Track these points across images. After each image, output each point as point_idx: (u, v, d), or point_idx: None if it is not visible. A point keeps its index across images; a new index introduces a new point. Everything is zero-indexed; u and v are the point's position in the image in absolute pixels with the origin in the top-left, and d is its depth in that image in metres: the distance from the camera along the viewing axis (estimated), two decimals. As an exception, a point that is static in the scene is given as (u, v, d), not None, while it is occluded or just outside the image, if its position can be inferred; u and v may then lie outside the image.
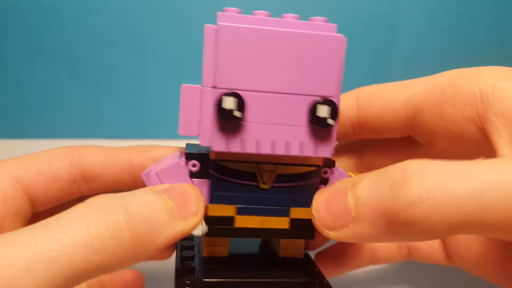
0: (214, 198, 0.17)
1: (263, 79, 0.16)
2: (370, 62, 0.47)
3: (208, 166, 0.17)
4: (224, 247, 0.19)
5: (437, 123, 0.18)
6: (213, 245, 0.19)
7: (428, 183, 0.13)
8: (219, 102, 0.15)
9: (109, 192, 0.20)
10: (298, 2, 0.44)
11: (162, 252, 0.21)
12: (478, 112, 0.17)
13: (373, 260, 0.23)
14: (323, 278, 0.19)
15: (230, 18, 0.16)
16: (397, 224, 0.13)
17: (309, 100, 0.16)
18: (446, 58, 0.44)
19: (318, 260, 0.23)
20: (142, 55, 0.46)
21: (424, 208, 0.13)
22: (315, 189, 0.18)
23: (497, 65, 0.18)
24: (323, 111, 0.16)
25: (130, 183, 0.21)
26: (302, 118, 0.16)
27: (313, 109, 0.16)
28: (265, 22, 0.16)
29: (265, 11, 0.16)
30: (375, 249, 0.23)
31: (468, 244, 0.21)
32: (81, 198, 0.21)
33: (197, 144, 0.18)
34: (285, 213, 0.18)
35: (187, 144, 0.19)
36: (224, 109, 0.15)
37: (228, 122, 0.16)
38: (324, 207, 0.16)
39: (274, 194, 0.18)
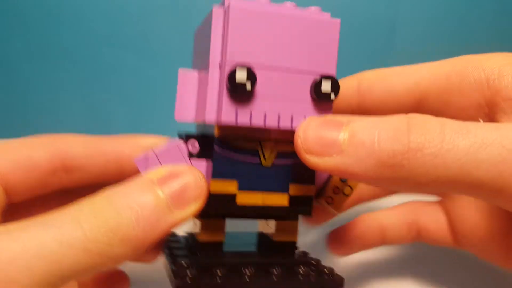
0: (216, 173, 0.18)
1: (270, 56, 0.17)
2: (370, 62, 0.47)
3: (206, 147, 0.18)
4: (220, 231, 0.19)
5: (443, 111, 0.18)
6: (210, 229, 0.19)
7: (430, 134, 0.13)
8: (231, 75, 0.16)
9: (93, 183, 0.20)
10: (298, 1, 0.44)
11: (149, 254, 0.21)
12: (485, 98, 0.17)
13: (384, 240, 0.23)
14: (317, 259, 0.20)
15: (236, 1, 0.17)
16: (388, 167, 0.13)
17: (311, 77, 0.17)
18: (446, 58, 0.44)
19: (328, 240, 0.23)
20: (143, 55, 0.46)
21: (421, 156, 0.13)
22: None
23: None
24: (326, 86, 0.17)
25: (116, 174, 0.20)
26: (305, 93, 0.18)
27: (318, 85, 0.17)
28: (269, 6, 0.17)
29: None
30: (385, 229, 0.23)
31: (474, 224, 0.21)
32: (63, 190, 0.20)
33: (189, 132, 0.19)
34: (285, 189, 0.18)
35: (178, 132, 0.20)
36: (236, 82, 0.16)
37: (239, 95, 0.17)
38: (313, 131, 0.15)
39: (274, 171, 0.18)
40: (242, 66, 0.16)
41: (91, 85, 0.46)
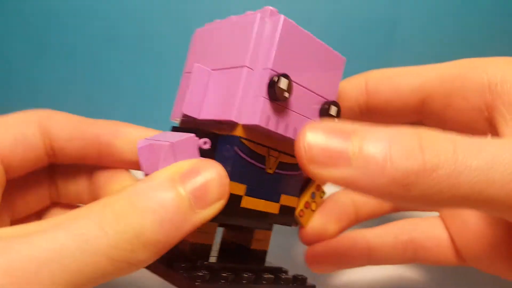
0: (235, 175, 0.17)
1: (299, 72, 0.18)
2: (370, 61, 0.47)
3: (214, 145, 0.18)
4: (211, 234, 0.20)
5: (445, 113, 0.18)
6: (202, 231, 0.19)
7: (444, 155, 0.13)
8: (274, 83, 0.17)
9: (72, 163, 0.20)
10: (298, 1, 0.44)
11: None
12: (486, 102, 0.17)
13: (371, 260, 0.22)
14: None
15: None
16: (401, 186, 0.13)
17: (322, 101, 0.19)
18: (446, 58, 0.44)
19: (307, 255, 0.22)
20: (144, 55, 0.46)
21: (436, 176, 0.13)
22: (301, 181, 0.20)
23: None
24: (334, 110, 0.19)
25: (94, 158, 0.20)
26: (316, 113, 0.19)
27: (326, 108, 0.19)
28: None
29: None
30: (373, 247, 0.22)
31: (477, 235, 0.20)
32: (50, 166, 0.21)
33: (182, 128, 0.19)
34: (278, 199, 0.19)
35: (173, 127, 0.20)
36: (280, 89, 0.17)
37: (277, 102, 0.17)
38: (319, 140, 0.14)
39: (274, 179, 0.19)
40: (285, 75, 0.17)
41: (91, 85, 0.46)
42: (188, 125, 0.20)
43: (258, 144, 0.18)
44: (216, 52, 0.19)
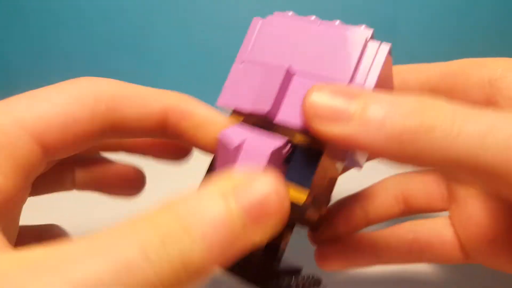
0: (294, 177, 0.16)
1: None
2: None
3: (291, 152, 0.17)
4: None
5: None
6: None
7: (442, 117, 0.13)
8: None
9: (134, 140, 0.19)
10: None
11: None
12: (487, 96, 0.18)
13: (378, 260, 0.22)
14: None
15: None
16: (397, 143, 0.14)
17: None
18: (446, 58, 0.44)
19: (319, 253, 0.23)
20: (143, 55, 0.46)
21: (432, 137, 0.13)
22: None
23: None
24: None
25: (159, 135, 0.19)
26: None
27: None
28: None
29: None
30: (380, 248, 0.22)
31: (483, 230, 0.20)
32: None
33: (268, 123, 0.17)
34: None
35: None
36: None
37: None
38: (324, 97, 0.15)
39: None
40: None
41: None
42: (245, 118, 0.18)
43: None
44: (301, 54, 0.18)
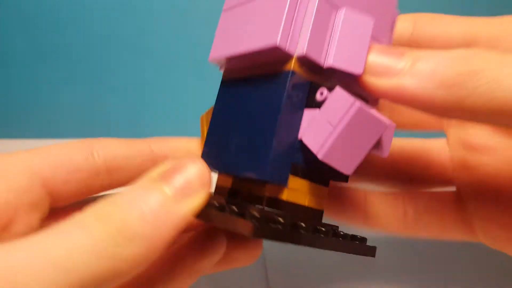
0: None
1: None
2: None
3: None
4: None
5: None
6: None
7: (490, 61, 0.14)
8: None
9: (129, 183, 0.20)
10: None
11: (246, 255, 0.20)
12: None
13: (366, 221, 0.22)
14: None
15: None
16: (447, 88, 0.14)
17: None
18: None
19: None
20: (143, 55, 0.46)
21: (481, 78, 0.14)
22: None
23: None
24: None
25: None
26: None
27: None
28: None
29: None
30: (371, 206, 0.22)
31: (493, 196, 0.20)
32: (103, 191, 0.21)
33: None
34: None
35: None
36: None
37: None
38: (374, 54, 0.16)
39: None
40: None
41: (91, 84, 0.46)
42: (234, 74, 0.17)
43: None
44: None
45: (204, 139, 0.19)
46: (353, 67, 0.15)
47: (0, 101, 0.46)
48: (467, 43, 0.19)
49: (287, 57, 0.15)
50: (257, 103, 0.16)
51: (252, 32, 0.15)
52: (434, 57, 0.15)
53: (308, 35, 0.14)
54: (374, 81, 0.15)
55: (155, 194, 0.14)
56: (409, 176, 0.22)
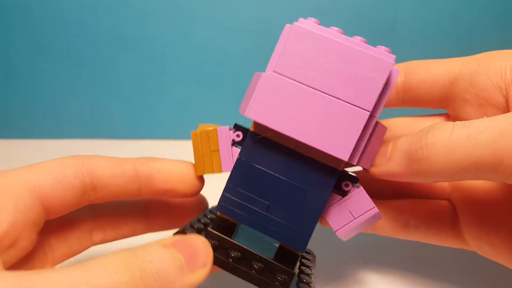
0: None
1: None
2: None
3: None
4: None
5: (469, 90, 0.21)
6: None
7: (442, 132, 0.17)
8: None
9: (114, 200, 0.22)
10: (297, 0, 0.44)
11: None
12: (506, 82, 0.20)
13: (374, 227, 0.24)
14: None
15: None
16: (415, 162, 0.17)
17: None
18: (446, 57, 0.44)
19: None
20: (146, 57, 0.46)
21: (436, 147, 0.17)
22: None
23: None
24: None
25: (135, 193, 0.22)
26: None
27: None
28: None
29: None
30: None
31: (481, 216, 0.22)
32: (90, 206, 0.22)
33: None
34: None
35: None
36: None
37: None
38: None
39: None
40: None
41: (93, 85, 0.46)
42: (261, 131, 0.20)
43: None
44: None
45: (198, 158, 0.21)
46: (369, 166, 0.20)
47: (3, 101, 0.46)
48: (451, 81, 0.22)
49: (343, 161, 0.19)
50: (303, 181, 0.19)
51: (320, 131, 0.18)
52: (406, 137, 0.18)
53: (361, 149, 0.19)
54: (373, 169, 0.20)
55: (169, 255, 0.16)
56: (410, 194, 0.25)
